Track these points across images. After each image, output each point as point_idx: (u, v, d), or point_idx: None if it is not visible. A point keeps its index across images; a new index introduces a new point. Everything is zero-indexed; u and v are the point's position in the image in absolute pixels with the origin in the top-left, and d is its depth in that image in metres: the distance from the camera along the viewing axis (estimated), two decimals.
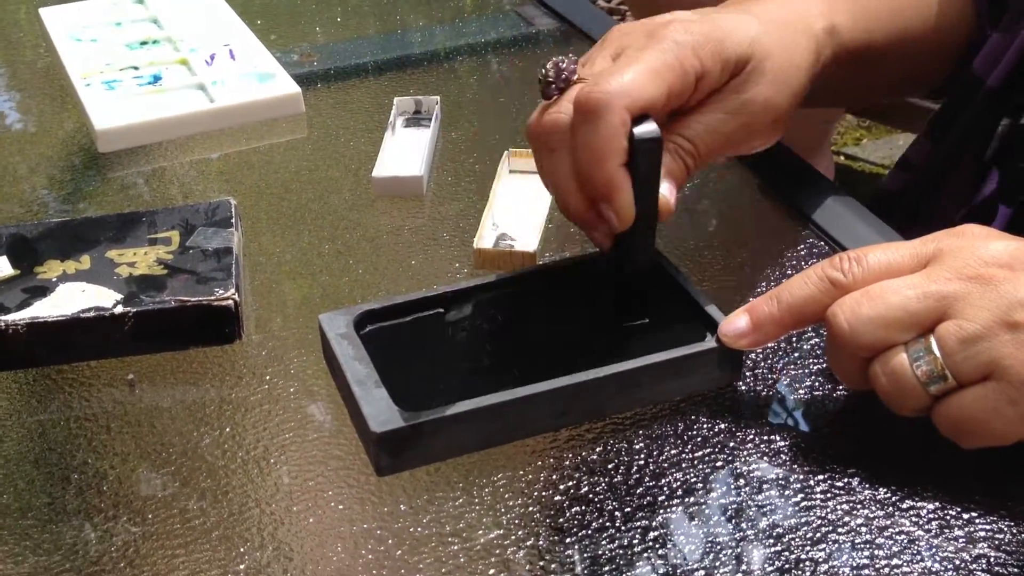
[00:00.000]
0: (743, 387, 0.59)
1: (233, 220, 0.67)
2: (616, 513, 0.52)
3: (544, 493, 0.53)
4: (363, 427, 0.53)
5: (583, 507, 0.52)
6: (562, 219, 0.69)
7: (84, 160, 0.82)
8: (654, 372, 0.56)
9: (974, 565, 0.49)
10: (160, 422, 0.58)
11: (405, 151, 0.79)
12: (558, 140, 0.58)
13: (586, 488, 0.53)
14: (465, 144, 0.82)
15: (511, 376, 0.56)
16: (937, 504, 0.52)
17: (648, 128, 0.56)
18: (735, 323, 0.56)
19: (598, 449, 0.55)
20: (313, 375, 0.60)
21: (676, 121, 0.60)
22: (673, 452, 0.55)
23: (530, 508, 0.52)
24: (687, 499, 0.52)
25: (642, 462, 0.54)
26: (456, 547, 0.50)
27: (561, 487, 0.53)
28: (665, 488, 0.53)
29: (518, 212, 0.72)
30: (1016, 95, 0.73)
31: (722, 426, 0.56)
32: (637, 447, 0.55)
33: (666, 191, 0.58)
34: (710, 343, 0.57)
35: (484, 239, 0.69)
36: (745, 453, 0.55)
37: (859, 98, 1.00)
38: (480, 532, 0.51)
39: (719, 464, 0.54)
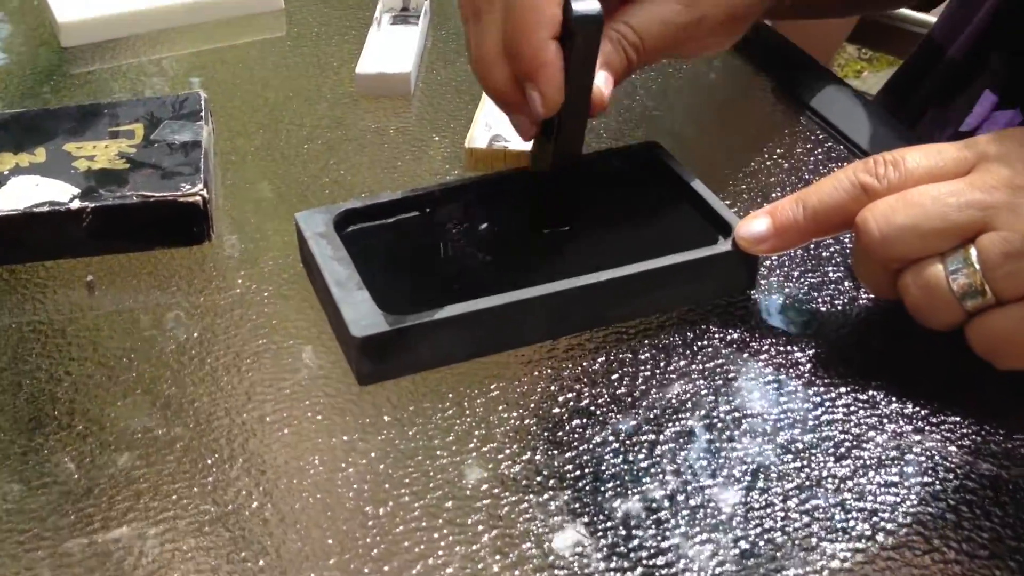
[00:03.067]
0: (757, 295, 0.54)
1: (203, 114, 0.62)
2: (620, 427, 0.47)
3: (542, 405, 0.49)
4: (343, 332, 0.48)
5: (584, 420, 0.48)
6: None
7: (46, 55, 0.76)
8: (662, 277, 0.51)
9: (1011, 485, 0.45)
10: (121, 327, 0.53)
11: (391, 48, 0.73)
12: (487, 5, 0.52)
13: (587, 400, 0.49)
14: (455, 44, 0.76)
15: (504, 281, 0.51)
16: (972, 419, 0.47)
17: (588, 3, 0.49)
18: (754, 226, 0.51)
19: (600, 359, 0.51)
20: (289, 279, 0.55)
21: (621, 7, 0.54)
22: (681, 363, 0.50)
23: (526, 421, 0.48)
24: (696, 412, 0.48)
25: (648, 373, 0.50)
26: (445, 460, 0.46)
27: (560, 399, 0.49)
28: (673, 400, 0.49)
29: None
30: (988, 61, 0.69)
31: (734, 336, 0.52)
32: (642, 357, 0.51)
33: (601, 82, 0.52)
34: (724, 246, 0.52)
35: (476, 139, 0.64)
36: (760, 364, 0.50)
37: (843, 8, 0.94)
38: (471, 445, 0.47)
39: (731, 376, 0.50)
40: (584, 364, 0.50)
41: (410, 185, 0.62)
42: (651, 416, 0.48)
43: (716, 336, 0.52)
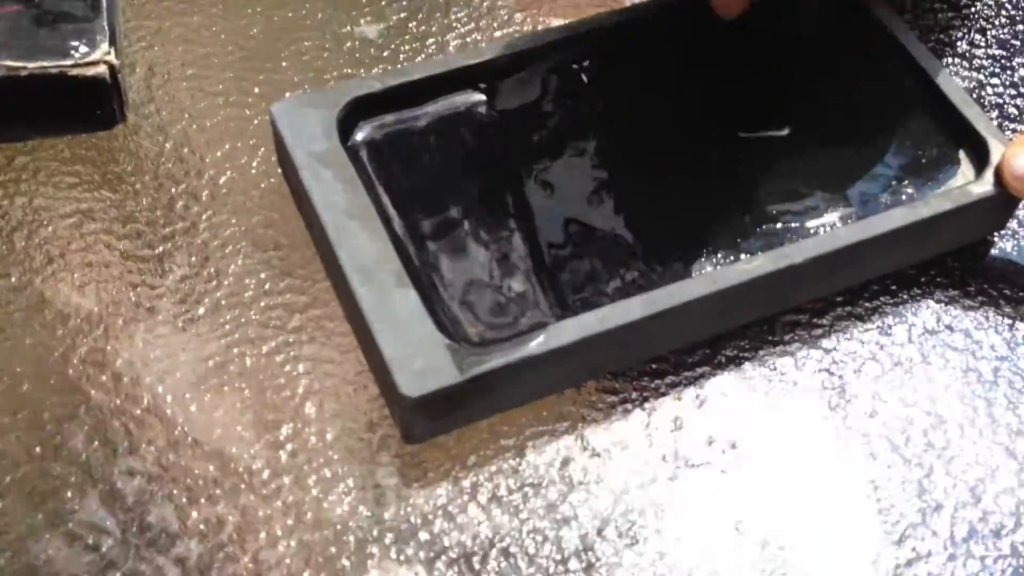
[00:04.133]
0: (1000, 240, 0.35)
1: None
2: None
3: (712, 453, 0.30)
4: (381, 367, 0.28)
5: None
6: None
7: None
8: (893, 240, 0.32)
9: None
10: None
11: None
12: None
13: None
14: None
15: (608, 209, 0.32)
16: None
17: None
18: None
19: (785, 357, 0.32)
20: (263, 198, 0.34)
21: None
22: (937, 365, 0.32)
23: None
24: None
25: (878, 383, 0.31)
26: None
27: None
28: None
29: None
30: None
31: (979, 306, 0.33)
32: (862, 351, 0.32)
33: None
34: (983, 186, 0.32)
35: None
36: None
37: None
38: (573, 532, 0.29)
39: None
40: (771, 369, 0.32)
41: (426, 28, 0.39)
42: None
43: (952, 307, 0.33)
